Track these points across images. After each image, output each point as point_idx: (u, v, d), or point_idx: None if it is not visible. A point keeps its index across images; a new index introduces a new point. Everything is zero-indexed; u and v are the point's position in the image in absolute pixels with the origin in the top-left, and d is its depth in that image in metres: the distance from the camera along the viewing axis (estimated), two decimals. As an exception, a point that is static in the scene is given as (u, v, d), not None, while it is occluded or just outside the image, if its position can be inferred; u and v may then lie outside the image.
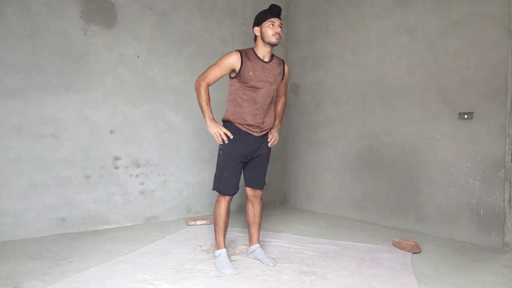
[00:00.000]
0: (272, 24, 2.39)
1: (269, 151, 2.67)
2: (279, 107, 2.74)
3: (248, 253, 2.73)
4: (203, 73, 2.48)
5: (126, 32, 3.56)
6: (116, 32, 3.51)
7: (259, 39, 2.46)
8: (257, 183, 2.63)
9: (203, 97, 2.44)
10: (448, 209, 3.31)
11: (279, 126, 2.72)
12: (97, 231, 3.35)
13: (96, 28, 3.40)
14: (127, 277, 2.29)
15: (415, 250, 2.88)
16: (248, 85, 2.44)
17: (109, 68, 3.48)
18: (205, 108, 2.43)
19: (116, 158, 3.54)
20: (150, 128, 3.74)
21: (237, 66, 2.41)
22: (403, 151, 3.63)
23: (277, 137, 2.64)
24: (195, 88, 2.47)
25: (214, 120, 2.46)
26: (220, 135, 2.43)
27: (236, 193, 2.55)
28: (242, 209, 4.36)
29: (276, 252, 2.84)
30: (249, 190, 2.67)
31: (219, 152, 2.55)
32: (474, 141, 3.16)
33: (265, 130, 2.58)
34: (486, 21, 3.09)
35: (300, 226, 3.67)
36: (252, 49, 2.50)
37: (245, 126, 2.49)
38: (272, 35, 2.39)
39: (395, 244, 3.02)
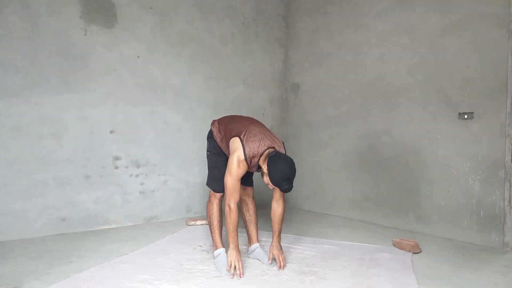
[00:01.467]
0: (275, 189, 2.40)
1: None
2: (278, 215, 2.53)
3: (248, 252, 2.73)
4: (227, 192, 2.37)
5: (126, 32, 3.56)
6: (116, 32, 3.51)
7: (263, 164, 2.33)
8: (246, 180, 2.59)
9: (234, 221, 2.37)
10: (448, 209, 3.31)
11: (279, 239, 2.53)
12: (97, 231, 3.35)
13: (96, 28, 3.40)
14: (127, 277, 2.29)
15: (415, 250, 2.88)
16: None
17: (109, 68, 3.48)
18: (233, 234, 2.37)
19: (116, 158, 3.54)
20: (150, 128, 3.74)
21: (245, 171, 2.39)
22: (403, 151, 3.63)
23: (283, 256, 2.49)
24: (226, 211, 2.38)
25: (238, 250, 2.39)
26: (235, 267, 2.33)
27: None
28: (239, 209, 4.36)
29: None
30: (240, 189, 2.60)
31: (207, 152, 2.65)
32: (474, 141, 3.16)
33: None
34: (486, 21, 3.09)
35: (300, 226, 3.67)
36: (258, 161, 2.37)
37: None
38: (266, 182, 2.32)
39: (395, 244, 3.02)
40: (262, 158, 2.34)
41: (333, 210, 4.27)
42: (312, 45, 4.51)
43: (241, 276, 2.33)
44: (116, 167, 3.54)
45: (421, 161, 3.49)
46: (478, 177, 3.14)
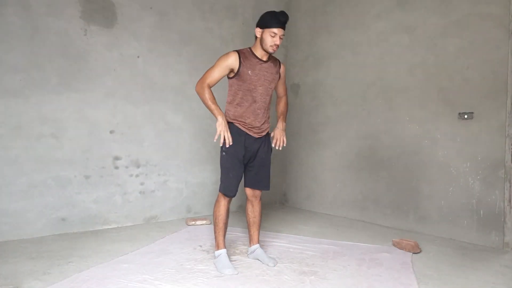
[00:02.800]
0: (273, 34, 2.37)
1: (270, 153, 2.67)
2: (281, 105, 2.71)
3: (248, 253, 2.73)
4: (201, 77, 2.47)
5: (126, 32, 3.56)
6: (116, 32, 3.51)
7: (258, 41, 2.47)
8: (257, 184, 2.63)
9: (208, 96, 2.42)
10: (448, 209, 3.31)
11: (284, 125, 2.64)
12: (97, 231, 3.35)
13: (96, 28, 3.40)
14: (127, 277, 2.29)
15: (415, 250, 2.88)
16: (247, 84, 2.46)
17: (109, 68, 3.48)
18: (213, 106, 2.41)
19: (116, 158, 3.54)
20: (150, 128, 3.74)
21: (236, 66, 2.43)
22: (403, 151, 3.63)
23: (284, 138, 2.60)
24: (197, 92, 2.46)
25: (225, 118, 2.43)
26: (224, 137, 2.40)
27: (235, 194, 2.56)
28: (242, 209, 4.35)
29: (276, 252, 2.84)
30: (248, 190, 2.68)
31: (221, 153, 2.52)
32: (474, 141, 3.16)
33: (264, 131, 2.58)
34: (486, 21, 3.09)
35: (300, 226, 3.67)
36: (250, 48, 2.52)
37: (247, 127, 2.50)
38: (270, 45, 2.41)
39: (395, 244, 3.02)
40: (253, 45, 2.50)
41: (333, 210, 4.27)
42: (312, 45, 4.51)
43: (231, 143, 2.40)
44: (116, 167, 3.54)
45: (421, 161, 3.49)
46: (478, 177, 3.14)
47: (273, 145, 2.61)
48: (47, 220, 3.19)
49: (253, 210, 2.70)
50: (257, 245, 2.71)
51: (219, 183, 2.58)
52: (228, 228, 3.43)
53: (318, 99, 4.43)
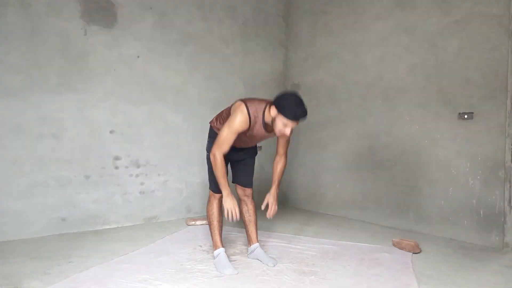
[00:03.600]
0: (287, 124, 2.25)
1: (255, 154, 2.74)
2: (279, 168, 2.60)
3: (248, 253, 2.73)
4: (217, 141, 2.34)
5: (126, 32, 3.56)
6: (116, 32, 3.51)
7: (269, 115, 2.33)
8: (245, 181, 2.70)
9: (221, 170, 2.33)
10: (448, 209, 3.31)
11: (278, 191, 2.58)
12: (97, 231, 3.35)
13: (96, 28, 3.40)
14: (127, 277, 2.29)
15: (415, 250, 2.88)
16: (246, 136, 2.44)
17: (109, 68, 3.48)
18: (223, 181, 2.35)
19: (116, 158, 3.54)
20: (150, 128, 3.74)
21: (246, 128, 2.36)
22: (403, 151, 3.63)
23: (275, 207, 2.52)
24: (211, 160, 2.35)
25: (232, 194, 2.37)
26: (232, 212, 2.32)
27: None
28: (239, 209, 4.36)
29: (276, 252, 2.84)
30: (239, 190, 2.73)
31: (207, 153, 2.60)
32: (474, 141, 3.16)
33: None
34: (486, 21, 3.09)
35: (300, 226, 3.67)
36: (264, 111, 2.36)
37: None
38: (279, 131, 2.30)
39: (395, 244, 3.02)
40: (267, 109, 2.33)
41: (333, 210, 4.27)
42: (312, 45, 4.51)
43: (237, 217, 2.32)
44: (116, 167, 3.54)
45: (421, 161, 3.49)
46: (478, 177, 3.14)
47: (262, 208, 2.53)
48: (47, 220, 3.19)
49: (248, 209, 2.72)
50: (257, 244, 2.71)
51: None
52: (227, 228, 3.44)
53: (318, 99, 4.43)
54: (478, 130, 3.14)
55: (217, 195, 2.59)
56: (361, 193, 4.00)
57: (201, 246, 2.95)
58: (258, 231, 3.09)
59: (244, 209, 2.73)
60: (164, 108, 3.82)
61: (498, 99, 3.03)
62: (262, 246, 2.90)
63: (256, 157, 2.82)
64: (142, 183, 3.69)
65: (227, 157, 2.50)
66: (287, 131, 2.27)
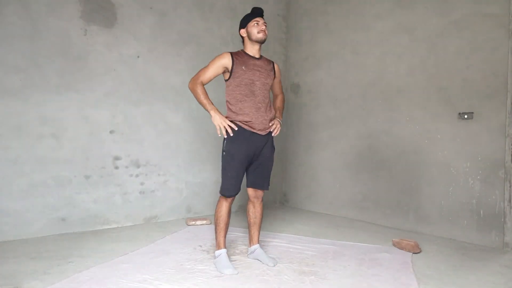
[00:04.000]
0: (256, 23, 2.50)
1: (273, 152, 2.67)
2: (278, 102, 2.78)
3: (248, 253, 2.72)
4: (195, 75, 2.56)
5: (126, 32, 3.56)
6: (116, 32, 3.51)
7: (246, 40, 2.57)
8: (260, 184, 2.62)
9: (200, 91, 2.49)
10: (448, 209, 3.31)
11: (281, 118, 2.69)
12: (97, 231, 3.35)
13: (96, 28, 3.40)
14: (127, 277, 2.29)
15: (415, 250, 2.88)
16: (245, 79, 2.49)
17: (109, 68, 3.48)
18: (205, 101, 2.47)
19: (116, 158, 3.54)
20: (150, 128, 3.74)
21: (229, 64, 2.50)
22: (403, 151, 3.63)
23: (279, 126, 2.62)
24: (190, 89, 2.54)
25: (218, 111, 2.47)
26: (224, 127, 2.43)
27: (238, 193, 2.55)
28: (242, 209, 4.36)
29: (276, 252, 2.84)
30: (250, 191, 2.66)
31: (222, 153, 2.52)
32: (474, 141, 3.16)
33: (268, 128, 2.57)
34: (486, 21, 3.09)
35: (300, 226, 3.67)
36: (242, 50, 2.61)
37: (248, 124, 2.48)
38: (258, 32, 2.50)
39: (395, 244, 3.02)
40: (244, 43, 2.60)
41: (333, 210, 4.27)
42: (312, 45, 4.51)
43: (235, 128, 2.44)
44: (116, 167, 3.54)
45: (421, 161, 3.49)
46: (478, 177, 3.14)
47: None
48: (47, 220, 3.19)
49: (255, 211, 2.68)
50: (257, 245, 2.71)
51: (220, 183, 2.56)
52: (229, 228, 3.45)
53: (318, 99, 4.43)
54: (478, 130, 3.14)
55: (229, 199, 2.54)
56: (361, 193, 4.00)
57: (201, 246, 2.95)
58: (261, 231, 3.13)
59: (251, 210, 2.69)
60: (164, 108, 3.82)
61: (498, 99, 3.03)
62: (262, 246, 2.90)
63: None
64: (142, 183, 3.70)
65: (246, 161, 2.53)
66: (262, 26, 2.49)
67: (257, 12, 2.54)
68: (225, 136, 2.46)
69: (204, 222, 3.66)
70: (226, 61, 2.50)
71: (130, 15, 3.58)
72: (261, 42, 2.54)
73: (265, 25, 2.52)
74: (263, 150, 2.57)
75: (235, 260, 2.63)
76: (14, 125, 3.05)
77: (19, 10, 3.05)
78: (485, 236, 3.10)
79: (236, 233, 3.33)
